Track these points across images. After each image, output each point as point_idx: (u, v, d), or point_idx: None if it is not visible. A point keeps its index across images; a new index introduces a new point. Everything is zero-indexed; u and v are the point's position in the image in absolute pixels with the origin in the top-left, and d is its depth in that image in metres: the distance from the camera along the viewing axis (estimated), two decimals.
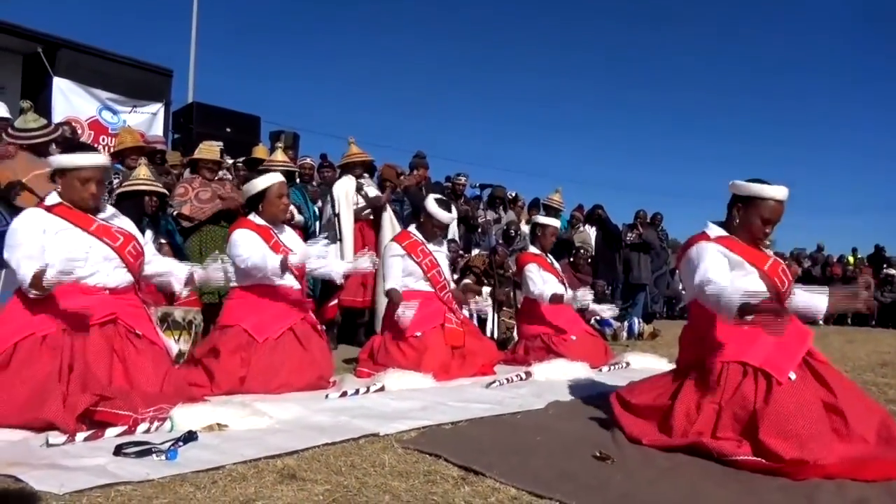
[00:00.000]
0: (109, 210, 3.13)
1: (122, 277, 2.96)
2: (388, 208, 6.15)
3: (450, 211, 4.87)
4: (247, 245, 3.71)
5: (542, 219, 5.86)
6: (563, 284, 5.49)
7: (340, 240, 5.83)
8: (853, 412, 2.46)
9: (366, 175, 6.32)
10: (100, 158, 3.01)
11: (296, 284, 3.86)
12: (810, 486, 2.19)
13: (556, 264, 5.66)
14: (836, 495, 2.12)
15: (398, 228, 5.86)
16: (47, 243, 2.77)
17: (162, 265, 3.26)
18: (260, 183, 3.89)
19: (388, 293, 4.47)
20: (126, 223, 3.13)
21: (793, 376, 2.50)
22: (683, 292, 13.15)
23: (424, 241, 4.64)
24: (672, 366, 3.30)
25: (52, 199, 2.93)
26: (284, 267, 3.66)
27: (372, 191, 6.11)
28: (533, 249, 5.54)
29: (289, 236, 4.02)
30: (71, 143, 3.80)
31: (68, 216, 2.88)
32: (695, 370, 2.74)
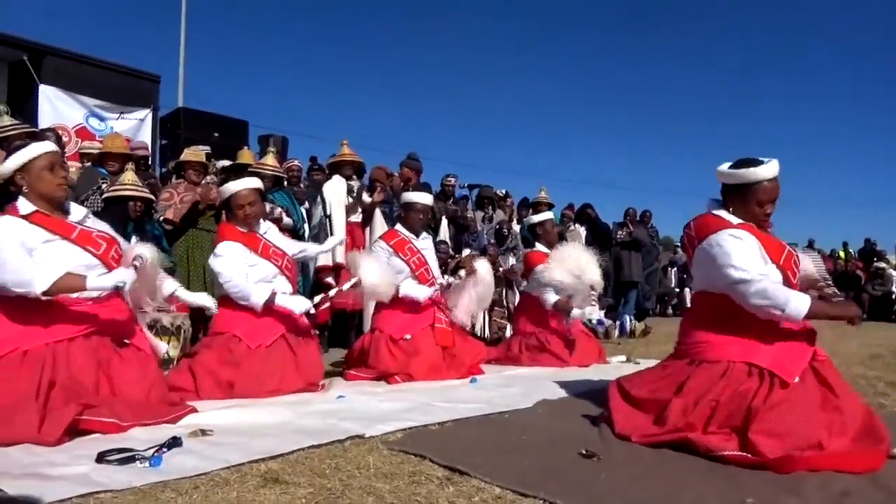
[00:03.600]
0: (79, 211, 2.96)
1: None
2: (378, 210, 6.12)
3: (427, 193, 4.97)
4: (230, 265, 3.64)
5: (535, 217, 5.90)
6: None
7: None
8: (849, 409, 2.46)
9: (354, 177, 6.30)
10: (51, 144, 2.87)
11: (289, 289, 3.83)
12: (795, 479, 2.19)
13: None
14: (821, 489, 2.12)
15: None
16: (33, 254, 2.65)
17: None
18: (228, 189, 3.84)
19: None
20: (103, 225, 3.01)
21: (797, 380, 2.48)
22: (675, 283, 13.17)
23: (412, 237, 4.64)
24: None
25: (26, 207, 2.75)
26: (269, 303, 3.60)
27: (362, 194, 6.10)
28: (540, 247, 5.54)
29: (274, 234, 3.96)
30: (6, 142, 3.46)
31: (48, 225, 2.74)
32: (698, 367, 2.67)
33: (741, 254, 2.61)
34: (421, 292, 4.39)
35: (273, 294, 3.62)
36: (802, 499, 2.04)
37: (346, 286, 4.20)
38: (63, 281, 2.60)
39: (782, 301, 2.54)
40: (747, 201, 2.69)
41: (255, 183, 3.88)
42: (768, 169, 2.67)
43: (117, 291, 2.85)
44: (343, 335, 6.07)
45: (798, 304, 2.54)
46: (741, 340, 2.61)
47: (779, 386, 2.46)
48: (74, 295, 2.73)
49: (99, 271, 2.79)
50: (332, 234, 5.80)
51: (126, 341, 2.86)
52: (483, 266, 4.71)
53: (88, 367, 2.68)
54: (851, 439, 2.39)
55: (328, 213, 5.91)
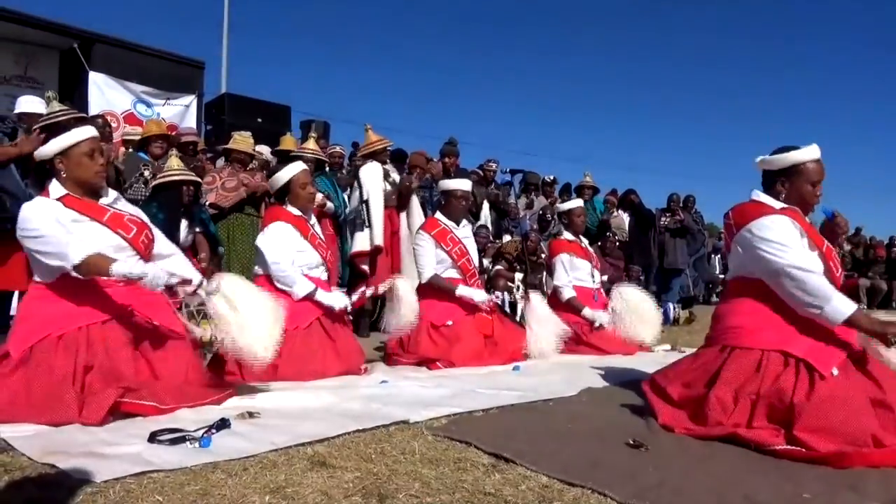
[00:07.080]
0: (112, 194, 2.94)
1: None
2: (415, 194, 6.09)
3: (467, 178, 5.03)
4: (279, 247, 3.70)
5: (563, 205, 5.81)
6: (596, 270, 5.46)
7: (370, 226, 5.82)
8: None
9: (389, 161, 6.29)
10: (93, 130, 2.85)
11: (323, 275, 3.86)
12: (853, 475, 2.12)
13: (590, 248, 5.61)
14: (881, 485, 2.04)
15: (426, 213, 5.83)
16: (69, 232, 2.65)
17: (174, 264, 3.02)
18: (283, 175, 3.88)
19: (431, 281, 4.43)
20: (135, 210, 3.02)
21: (835, 372, 2.40)
22: (720, 270, 12.86)
23: (453, 226, 4.61)
24: None
25: (57, 190, 2.75)
26: (308, 297, 3.66)
27: (397, 178, 6.06)
28: (567, 235, 5.49)
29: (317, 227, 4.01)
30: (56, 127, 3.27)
31: (78, 207, 2.74)
32: (731, 355, 2.62)
33: (785, 240, 2.56)
34: (478, 296, 4.42)
35: (315, 289, 3.68)
36: (861, 494, 1.97)
37: (381, 288, 4.19)
38: (93, 258, 2.59)
39: (823, 298, 2.46)
40: (798, 183, 2.69)
41: (304, 165, 4.00)
42: (811, 151, 2.69)
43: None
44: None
45: (840, 305, 2.45)
46: (776, 328, 2.55)
47: (819, 379, 2.38)
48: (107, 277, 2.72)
49: (129, 254, 2.79)
50: (369, 219, 5.81)
51: (159, 324, 2.83)
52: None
53: (125, 350, 2.69)
54: None
55: (365, 198, 5.91)
